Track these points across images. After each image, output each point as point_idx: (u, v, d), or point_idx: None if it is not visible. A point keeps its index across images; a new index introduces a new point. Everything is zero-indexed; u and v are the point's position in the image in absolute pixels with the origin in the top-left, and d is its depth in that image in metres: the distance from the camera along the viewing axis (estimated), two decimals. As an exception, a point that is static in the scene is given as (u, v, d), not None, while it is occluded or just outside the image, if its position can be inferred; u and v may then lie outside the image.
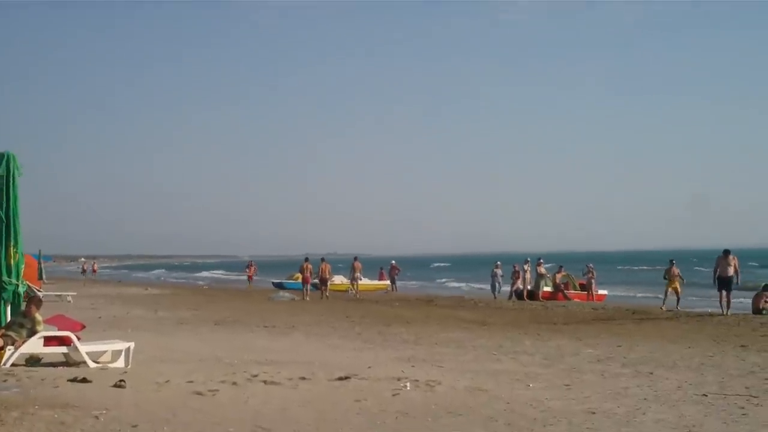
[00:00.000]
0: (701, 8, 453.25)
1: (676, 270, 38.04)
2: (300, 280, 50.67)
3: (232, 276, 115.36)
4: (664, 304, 36.91)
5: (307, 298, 45.90)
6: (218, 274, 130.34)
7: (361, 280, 53.04)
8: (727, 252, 32.71)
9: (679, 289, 37.77)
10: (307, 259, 49.93)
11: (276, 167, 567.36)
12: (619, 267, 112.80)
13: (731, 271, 32.23)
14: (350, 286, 52.99)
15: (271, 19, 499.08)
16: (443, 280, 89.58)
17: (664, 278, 38.65)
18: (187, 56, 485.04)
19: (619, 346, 21.60)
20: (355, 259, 52.88)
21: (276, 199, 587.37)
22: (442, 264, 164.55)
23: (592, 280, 47.71)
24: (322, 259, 49.72)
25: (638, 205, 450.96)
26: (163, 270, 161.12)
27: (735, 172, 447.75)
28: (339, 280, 56.53)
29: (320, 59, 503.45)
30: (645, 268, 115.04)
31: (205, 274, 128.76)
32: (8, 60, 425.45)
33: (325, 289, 48.38)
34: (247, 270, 72.09)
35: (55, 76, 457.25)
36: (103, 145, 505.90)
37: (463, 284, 78.33)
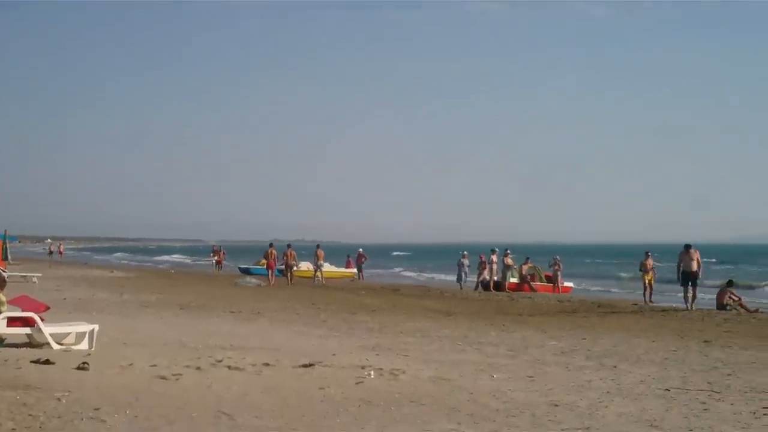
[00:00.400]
0: (702, 6, 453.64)
1: (650, 262, 38.30)
2: (266, 266, 51.01)
3: (190, 261, 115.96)
4: (647, 297, 37.20)
5: (272, 284, 46.02)
6: (178, 258, 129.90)
7: (323, 267, 53.22)
8: (688, 247, 32.88)
9: (652, 282, 38.02)
10: (271, 245, 50.52)
11: (245, 152, 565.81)
12: (587, 260, 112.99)
13: (695, 265, 32.43)
14: (314, 273, 53.13)
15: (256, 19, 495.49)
16: (398, 269, 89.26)
17: (640, 270, 38.92)
18: (179, 46, 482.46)
19: (584, 338, 21.69)
20: (318, 246, 53.20)
21: (245, 185, 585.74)
22: (402, 253, 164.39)
23: (559, 273, 47.92)
24: (288, 246, 50.12)
25: (613, 199, 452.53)
26: (125, 253, 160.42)
27: (720, 169, 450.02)
28: (306, 266, 56.71)
29: (298, 53, 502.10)
30: (599, 261, 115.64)
31: (164, 257, 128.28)
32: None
33: (291, 275, 48.68)
34: (212, 255, 72.48)
35: (37, 61, 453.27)
36: (76, 128, 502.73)
37: (414, 273, 78.41)
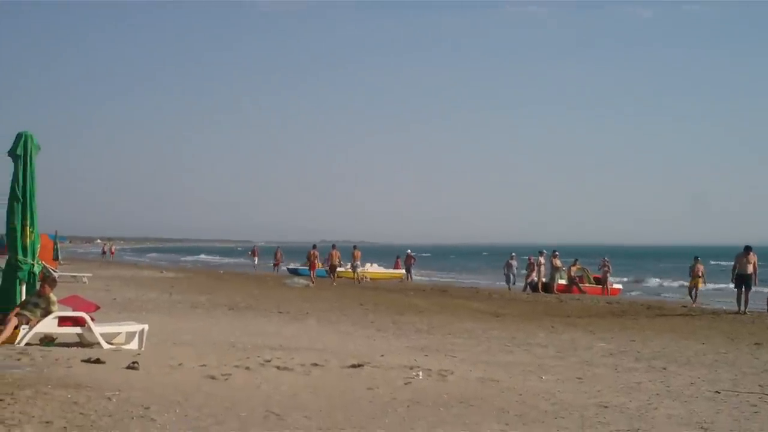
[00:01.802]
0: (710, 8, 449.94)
1: (700, 267, 37.93)
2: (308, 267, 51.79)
3: (218, 260, 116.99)
4: (694, 301, 36.86)
5: (313, 284, 46.19)
6: (206, 258, 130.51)
7: (359, 268, 53.66)
8: (748, 249, 32.35)
9: (699, 286, 37.67)
10: (314, 246, 51.27)
11: (294, 154, 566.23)
12: (636, 261, 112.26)
13: (750, 268, 31.93)
14: (362, 274, 53.64)
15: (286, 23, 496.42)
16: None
17: (689, 275, 38.59)
18: (212, 45, 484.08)
19: (633, 340, 21.59)
20: (355, 247, 53.89)
21: (294, 186, 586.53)
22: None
23: (608, 274, 47.66)
24: (333, 246, 50.59)
25: (655, 200, 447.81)
26: (159, 253, 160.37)
27: (738, 169, 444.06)
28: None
29: (345, 56, 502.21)
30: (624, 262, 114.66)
31: (188, 258, 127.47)
32: (34, 41, 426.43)
33: (335, 276, 49.17)
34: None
35: (77, 60, 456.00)
36: (124, 127, 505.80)
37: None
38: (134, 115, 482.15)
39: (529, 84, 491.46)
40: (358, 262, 53.36)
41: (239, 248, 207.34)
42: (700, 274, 37.83)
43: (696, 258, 38.63)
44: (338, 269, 51.32)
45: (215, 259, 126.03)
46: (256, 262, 74.59)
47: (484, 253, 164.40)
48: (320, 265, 52.67)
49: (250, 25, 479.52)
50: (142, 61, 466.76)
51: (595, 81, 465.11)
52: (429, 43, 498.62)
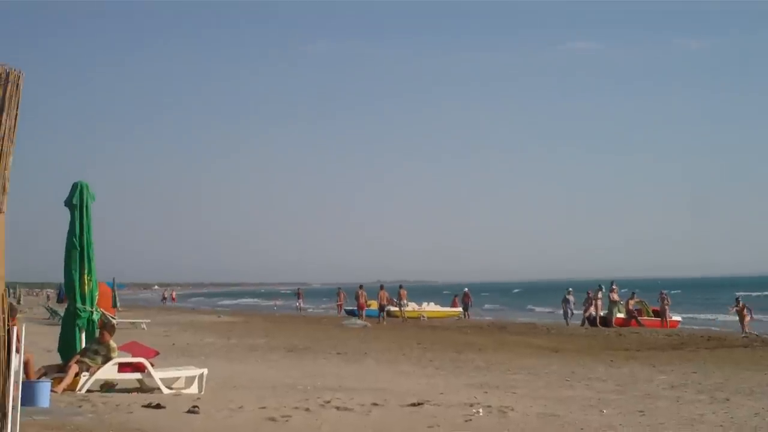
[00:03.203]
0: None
1: (743, 306, 38.12)
2: (371, 307, 52.09)
3: (257, 302, 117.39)
4: (744, 333, 36.82)
5: (369, 325, 46.32)
6: (249, 301, 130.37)
7: (406, 306, 55.23)
8: None
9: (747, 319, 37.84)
10: (361, 286, 52.53)
11: (351, 195, 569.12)
12: (696, 294, 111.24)
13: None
14: (419, 313, 54.47)
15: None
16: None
17: (735, 312, 38.72)
18: (254, 82, 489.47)
19: (694, 372, 21.36)
20: (401, 287, 55.66)
21: (350, 226, 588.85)
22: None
23: (666, 307, 47.23)
24: (381, 287, 51.30)
25: (714, 232, 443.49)
26: (201, 298, 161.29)
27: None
28: (411, 306, 57.64)
29: (382, 89, 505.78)
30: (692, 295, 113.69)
31: (226, 302, 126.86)
32: (88, 86, 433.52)
33: (384, 316, 50.53)
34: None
35: (130, 102, 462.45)
36: (178, 174, 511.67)
37: None
38: (186, 161, 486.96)
39: (564, 118, 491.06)
40: (405, 301, 54.41)
41: (283, 291, 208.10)
42: (743, 313, 38.08)
43: (737, 299, 39.00)
44: (388, 308, 51.93)
45: (256, 301, 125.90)
46: (300, 305, 75.63)
47: (515, 290, 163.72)
48: (373, 305, 52.91)
49: (287, 66, 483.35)
50: (193, 106, 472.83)
51: (633, 115, 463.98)
52: (468, 80, 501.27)
